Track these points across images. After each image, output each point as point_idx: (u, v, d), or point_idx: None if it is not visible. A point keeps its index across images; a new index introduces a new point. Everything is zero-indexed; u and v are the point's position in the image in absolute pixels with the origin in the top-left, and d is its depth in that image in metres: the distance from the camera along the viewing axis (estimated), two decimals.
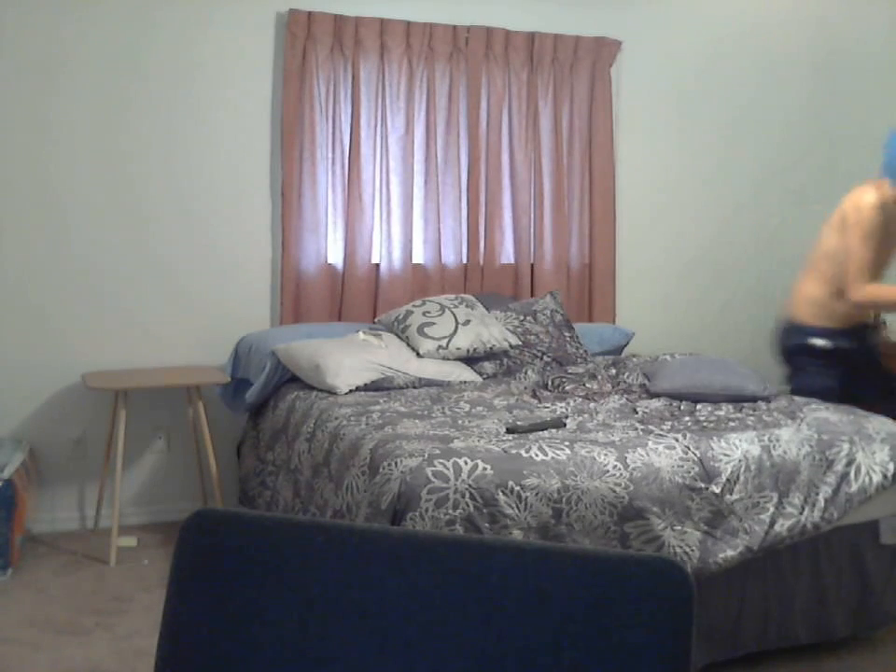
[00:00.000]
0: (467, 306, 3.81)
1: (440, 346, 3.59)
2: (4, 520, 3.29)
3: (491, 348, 3.67)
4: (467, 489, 2.30)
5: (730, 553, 2.49)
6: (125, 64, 3.79)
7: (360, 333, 3.66)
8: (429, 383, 3.47)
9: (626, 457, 2.48)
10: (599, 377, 3.49)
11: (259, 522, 1.19)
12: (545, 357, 3.77)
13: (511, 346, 3.74)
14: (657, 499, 2.43)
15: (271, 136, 4.02)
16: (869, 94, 4.97)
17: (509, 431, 2.70)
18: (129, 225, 3.87)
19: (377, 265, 4.16)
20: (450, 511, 2.27)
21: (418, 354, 3.58)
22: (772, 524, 2.55)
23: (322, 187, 4.03)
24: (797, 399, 3.17)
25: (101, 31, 3.75)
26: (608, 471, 2.43)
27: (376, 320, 3.94)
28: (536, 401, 3.20)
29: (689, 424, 2.85)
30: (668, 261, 4.75)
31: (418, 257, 4.23)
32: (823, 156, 4.93)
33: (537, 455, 2.44)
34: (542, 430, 2.71)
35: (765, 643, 2.68)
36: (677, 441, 2.60)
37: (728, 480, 2.52)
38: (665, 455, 2.52)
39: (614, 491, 2.40)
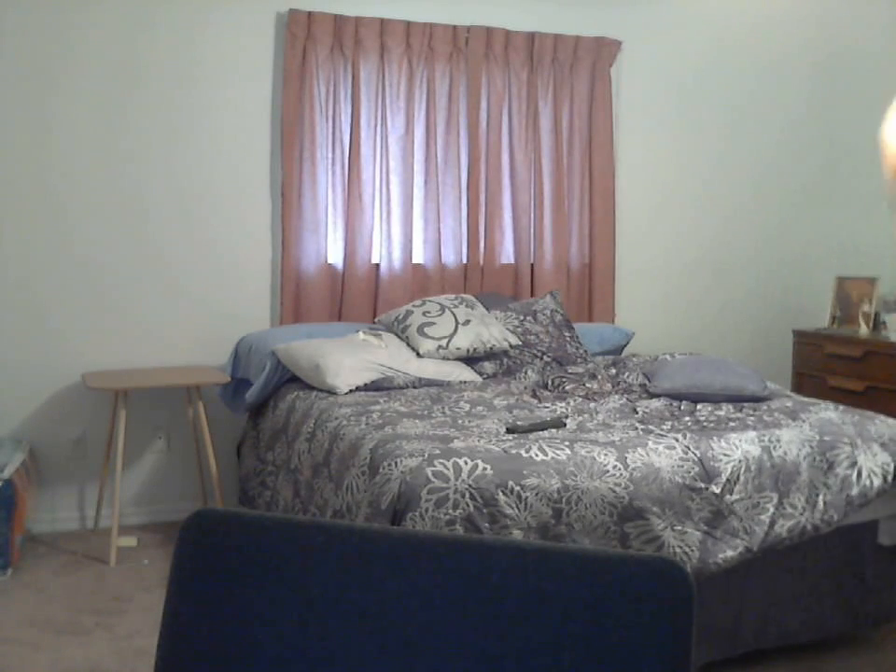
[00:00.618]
0: (467, 306, 3.81)
1: (440, 346, 3.59)
2: (4, 520, 3.29)
3: (491, 348, 3.67)
4: (467, 489, 2.30)
5: (730, 553, 2.49)
6: (125, 64, 3.80)
7: (360, 333, 3.66)
8: (429, 383, 3.46)
9: (626, 457, 2.48)
10: (599, 377, 3.48)
11: (258, 522, 1.19)
12: (545, 357, 3.77)
13: (511, 346, 3.74)
14: (657, 499, 2.43)
15: (271, 136, 4.02)
16: (869, 94, 4.96)
17: (509, 431, 2.70)
18: (129, 225, 3.87)
19: (377, 265, 4.16)
20: (450, 511, 2.27)
21: (418, 354, 3.58)
22: (772, 524, 2.55)
23: (322, 187, 4.03)
24: (799, 397, 3.16)
25: (101, 31, 3.75)
26: (608, 471, 2.42)
27: (376, 320, 3.94)
28: (536, 401, 3.20)
29: (689, 424, 2.85)
30: (668, 261, 4.75)
31: (418, 257, 4.23)
32: (823, 156, 4.94)
33: (537, 455, 2.43)
34: (542, 430, 2.71)
35: (765, 642, 2.68)
36: (677, 440, 2.60)
37: (728, 480, 2.52)
38: (665, 454, 2.52)
39: (614, 491, 2.40)
